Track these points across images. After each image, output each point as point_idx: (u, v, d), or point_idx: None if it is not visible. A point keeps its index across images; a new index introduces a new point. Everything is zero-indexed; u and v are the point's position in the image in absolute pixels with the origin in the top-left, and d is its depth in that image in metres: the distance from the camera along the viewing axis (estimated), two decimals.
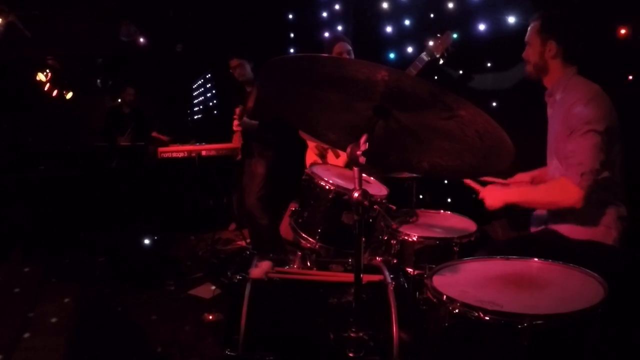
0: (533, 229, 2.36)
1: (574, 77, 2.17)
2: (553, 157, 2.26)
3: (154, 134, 6.01)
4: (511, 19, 3.39)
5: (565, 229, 2.13)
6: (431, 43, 2.99)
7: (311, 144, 3.92)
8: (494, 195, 2.19)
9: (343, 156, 3.70)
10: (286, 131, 4.04)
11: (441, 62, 3.02)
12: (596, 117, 1.98)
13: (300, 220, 2.51)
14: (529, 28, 2.27)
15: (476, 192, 2.32)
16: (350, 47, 3.64)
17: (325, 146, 3.84)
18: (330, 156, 3.82)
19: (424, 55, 3.01)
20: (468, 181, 2.41)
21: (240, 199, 4.58)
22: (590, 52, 2.22)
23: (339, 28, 5.18)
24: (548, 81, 2.26)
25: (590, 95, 2.04)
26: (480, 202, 2.25)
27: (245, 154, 4.31)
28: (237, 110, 4.00)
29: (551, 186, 2.11)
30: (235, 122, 4.03)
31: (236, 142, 4.46)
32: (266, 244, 4.10)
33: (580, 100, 2.03)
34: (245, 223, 4.63)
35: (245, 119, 4.04)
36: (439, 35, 2.96)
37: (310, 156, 3.95)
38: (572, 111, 2.04)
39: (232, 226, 5.57)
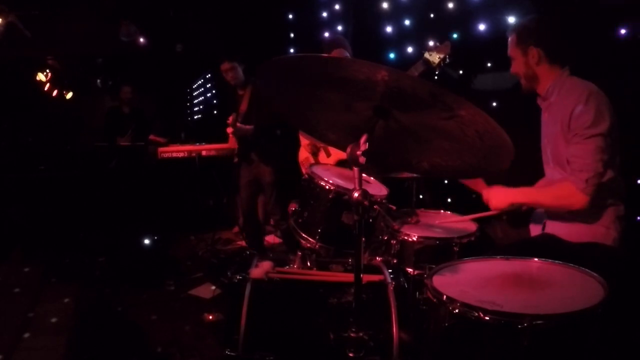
0: (533, 227, 2.36)
1: (568, 78, 2.15)
2: (549, 162, 2.26)
3: (152, 137, 5.99)
4: (511, 19, 3.38)
5: (564, 232, 2.13)
6: (428, 52, 2.97)
7: (304, 142, 3.91)
8: (499, 196, 2.17)
9: (334, 155, 3.69)
10: (283, 132, 4.02)
11: (437, 72, 3.00)
12: (597, 120, 1.96)
13: (300, 220, 2.51)
14: (508, 42, 2.24)
15: (476, 193, 2.32)
16: (348, 54, 3.61)
17: (319, 145, 3.82)
18: (322, 155, 3.81)
19: (421, 64, 2.99)
20: (467, 182, 2.40)
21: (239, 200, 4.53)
22: (577, 49, 2.21)
23: (339, 28, 5.17)
24: (541, 88, 2.23)
25: (587, 96, 2.01)
26: (480, 202, 2.24)
27: (243, 158, 4.22)
28: (230, 117, 3.93)
29: (557, 190, 2.09)
30: (229, 130, 3.97)
31: (232, 143, 4.40)
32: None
33: (579, 102, 2.01)
34: (248, 227, 4.59)
35: (238, 124, 3.95)
36: (437, 44, 2.94)
37: (303, 154, 3.94)
38: (572, 114, 2.01)
39: (236, 229, 5.56)
